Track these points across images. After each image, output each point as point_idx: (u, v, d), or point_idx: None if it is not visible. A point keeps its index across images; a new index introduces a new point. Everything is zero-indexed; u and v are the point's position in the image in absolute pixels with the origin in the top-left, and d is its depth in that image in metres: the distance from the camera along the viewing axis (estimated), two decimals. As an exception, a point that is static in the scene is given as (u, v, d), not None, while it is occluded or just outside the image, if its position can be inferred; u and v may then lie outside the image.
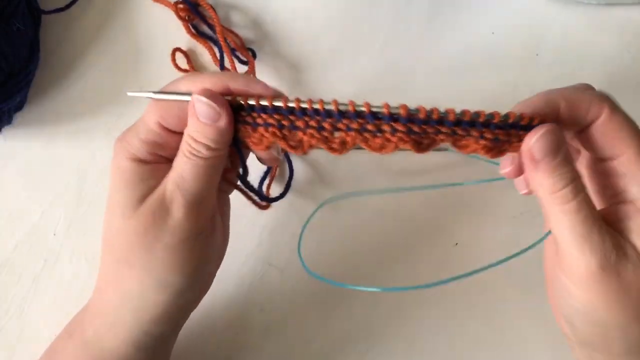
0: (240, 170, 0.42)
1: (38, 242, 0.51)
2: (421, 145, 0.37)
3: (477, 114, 0.37)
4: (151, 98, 0.39)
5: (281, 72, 0.55)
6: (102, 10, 0.55)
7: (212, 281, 0.43)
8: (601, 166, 0.37)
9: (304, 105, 0.37)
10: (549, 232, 0.36)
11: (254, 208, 0.51)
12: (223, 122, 0.37)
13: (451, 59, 0.55)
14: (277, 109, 0.38)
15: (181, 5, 0.54)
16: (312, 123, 0.38)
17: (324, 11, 0.56)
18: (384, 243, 0.52)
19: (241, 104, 0.38)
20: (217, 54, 0.53)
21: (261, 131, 0.38)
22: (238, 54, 0.54)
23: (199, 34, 0.54)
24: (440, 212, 0.52)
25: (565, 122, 0.36)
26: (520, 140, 0.36)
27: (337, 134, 0.38)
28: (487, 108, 0.54)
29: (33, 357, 0.49)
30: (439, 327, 0.50)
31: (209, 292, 0.48)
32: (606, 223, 0.34)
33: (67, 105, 0.53)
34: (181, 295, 0.38)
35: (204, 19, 0.54)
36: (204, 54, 0.54)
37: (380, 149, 0.37)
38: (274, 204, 0.51)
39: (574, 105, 0.36)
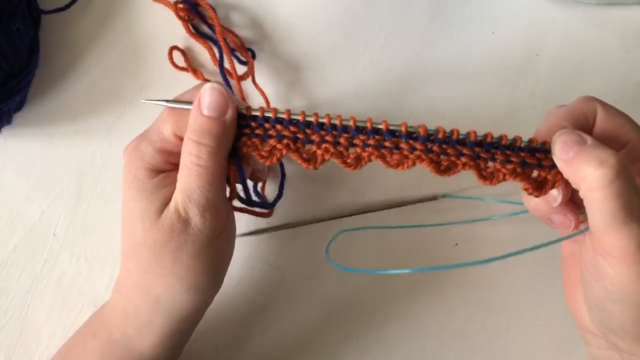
0: (241, 188, 0.41)
1: (38, 242, 0.51)
2: (441, 166, 0.37)
3: (500, 137, 0.36)
4: (166, 107, 0.39)
5: (280, 72, 0.55)
6: (102, 10, 0.55)
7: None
8: None
9: (322, 120, 0.37)
10: (586, 228, 0.36)
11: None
12: (230, 114, 0.37)
13: (451, 59, 0.55)
14: (294, 122, 0.37)
15: (181, 5, 0.54)
16: (328, 138, 0.37)
17: (325, 11, 0.56)
18: (384, 243, 0.52)
19: (245, 115, 0.38)
20: (217, 54, 0.53)
21: (273, 143, 0.38)
22: (237, 54, 0.54)
23: (198, 34, 0.54)
24: (438, 214, 0.52)
25: None
26: (548, 166, 0.36)
27: (352, 150, 0.38)
28: (487, 108, 0.55)
29: (33, 357, 0.49)
30: (439, 327, 0.50)
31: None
32: None
33: (67, 105, 0.53)
34: (206, 294, 0.40)
35: (203, 19, 0.54)
36: (203, 53, 0.54)
37: (397, 165, 0.37)
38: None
39: (573, 118, 0.37)
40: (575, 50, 0.56)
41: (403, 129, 0.36)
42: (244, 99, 0.53)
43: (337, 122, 0.37)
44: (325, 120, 0.37)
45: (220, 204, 0.38)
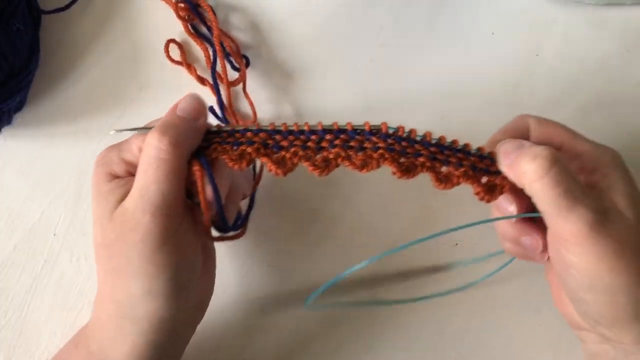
0: (213, 196, 0.40)
1: (38, 242, 0.51)
2: (403, 166, 0.38)
3: (452, 141, 0.40)
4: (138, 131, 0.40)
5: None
6: (102, 10, 0.55)
7: (209, 294, 0.44)
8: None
9: (291, 128, 0.40)
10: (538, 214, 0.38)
11: (253, 208, 0.51)
12: (202, 121, 0.39)
13: (451, 60, 0.55)
14: (263, 129, 0.40)
15: (182, 5, 0.54)
16: (297, 142, 0.39)
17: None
18: (384, 243, 0.52)
19: (215, 130, 0.40)
20: (212, 57, 0.53)
21: (243, 147, 0.39)
22: (232, 59, 0.54)
23: (197, 34, 0.54)
24: (439, 214, 0.52)
25: None
26: (495, 171, 0.39)
27: (319, 155, 0.39)
28: (487, 108, 0.55)
29: (33, 357, 0.49)
30: (438, 327, 0.50)
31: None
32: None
33: (67, 105, 0.53)
34: (170, 302, 0.38)
35: (203, 20, 0.54)
36: (200, 50, 0.54)
37: (363, 167, 0.38)
38: (271, 206, 0.51)
39: (509, 133, 0.40)
40: (575, 50, 0.56)
41: (366, 127, 0.39)
42: (231, 104, 0.53)
43: (305, 127, 0.39)
44: (293, 128, 0.40)
45: (176, 204, 0.37)
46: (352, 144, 0.39)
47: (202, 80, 0.53)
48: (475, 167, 0.39)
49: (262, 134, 0.40)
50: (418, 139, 0.39)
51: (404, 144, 0.39)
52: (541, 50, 0.56)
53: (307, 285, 0.51)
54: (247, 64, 0.54)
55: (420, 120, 0.54)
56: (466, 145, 0.39)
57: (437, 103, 0.55)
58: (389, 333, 0.50)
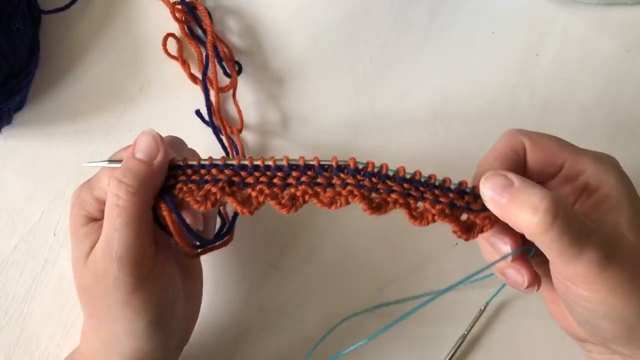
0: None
1: (38, 242, 0.51)
2: (373, 203, 0.37)
3: (429, 176, 0.37)
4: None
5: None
6: (102, 10, 0.55)
7: (194, 320, 0.45)
8: (558, 179, 0.38)
9: (256, 162, 0.38)
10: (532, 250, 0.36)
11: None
12: (159, 159, 0.38)
13: (451, 60, 0.55)
14: (229, 165, 0.38)
15: (179, 7, 0.54)
16: (263, 179, 0.38)
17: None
18: (384, 242, 0.52)
19: (181, 165, 0.39)
20: (204, 61, 0.53)
21: (208, 187, 0.38)
22: (224, 64, 0.54)
23: (192, 36, 0.54)
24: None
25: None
26: (476, 209, 0.36)
27: (287, 191, 0.38)
28: (487, 108, 0.55)
29: (33, 357, 0.49)
30: (438, 326, 0.50)
31: (208, 292, 0.48)
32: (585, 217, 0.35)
33: (67, 105, 0.53)
34: (155, 341, 0.39)
35: (199, 23, 0.54)
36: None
37: (331, 204, 0.37)
38: (270, 207, 0.51)
39: (503, 158, 0.37)
40: (575, 50, 0.56)
41: (334, 163, 0.37)
42: (220, 110, 0.52)
43: (270, 163, 0.38)
44: (259, 162, 0.38)
45: (143, 249, 0.37)
46: (319, 180, 0.38)
47: (194, 79, 0.53)
48: (454, 204, 0.36)
49: (227, 171, 0.38)
50: (390, 174, 0.37)
51: (374, 180, 0.37)
52: (541, 50, 0.56)
53: (308, 285, 0.51)
54: (239, 71, 0.54)
55: (420, 120, 0.54)
56: (445, 181, 0.37)
57: (437, 103, 0.55)
58: (389, 333, 0.50)
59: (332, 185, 0.37)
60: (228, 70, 0.54)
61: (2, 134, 0.52)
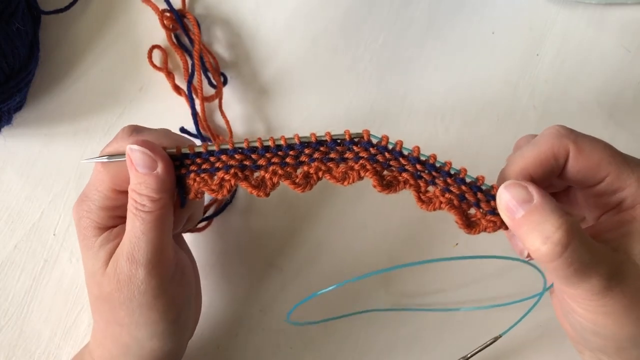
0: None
1: (38, 242, 0.51)
2: (384, 180, 0.36)
3: (444, 162, 0.36)
4: (97, 166, 0.39)
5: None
6: (102, 10, 0.55)
7: (200, 308, 0.45)
8: (593, 190, 0.37)
9: (266, 143, 0.37)
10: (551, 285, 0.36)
11: (252, 209, 0.51)
12: (160, 169, 0.37)
13: (451, 60, 0.55)
14: (238, 150, 0.37)
15: (167, 14, 0.53)
16: (275, 160, 0.37)
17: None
18: (384, 242, 0.52)
19: (187, 154, 0.38)
20: (190, 70, 0.52)
21: (221, 175, 0.38)
22: (210, 75, 0.53)
23: (179, 45, 0.54)
24: (440, 213, 0.52)
25: (542, 179, 0.36)
26: (486, 210, 0.36)
27: (300, 170, 0.37)
28: (487, 108, 0.55)
29: (33, 357, 0.49)
30: (438, 325, 0.50)
31: (208, 292, 0.48)
32: (599, 237, 0.35)
33: (67, 105, 0.53)
34: (175, 339, 0.40)
35: (186, 32, 0.54)
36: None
37: (344, 179, 0.37)
38: (272, 206, 0.51)
39: (541, 164, 0.35)
40: (575, 50, 0.56)
41: (347, 136, 0.36)
42: (205, 119, 0.52)
43: (281, 142, 0.37)
44: (270, 143, 0.37)
45: (167, 252, 0.38)
46: (332, 155, 0.37)
47: (178, 91, 0.53)
48: (464, 197, 0.36)
49: (237, 155, 0.37)
50: (405, 152, 0.36)
51: (387, 155, 0.36)
52: (541, 50, 0.56)
53: (308, 285, 0.51)
54: (225, 82, 0.54)
55: (419, 120, 0.54)
56: (461, 171, 0.36)
57: (437, 103, 0.55)
58: (390, 333, 0.50)
59: (344, 160, 0.37)
60: (213, 81, 0.53)
61: (2, 134, 0.52)
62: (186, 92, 0.52)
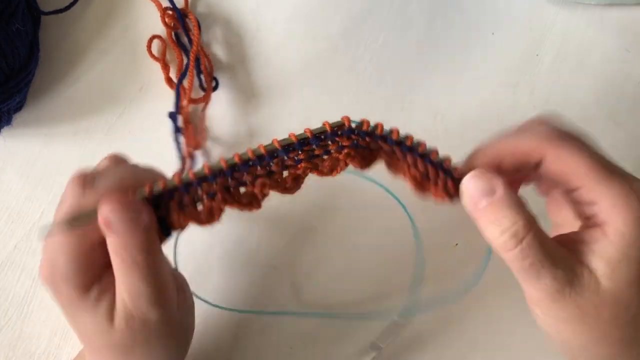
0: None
1: (38, 242, 0.51)
2: (365, 161, 0.36)
3: (418, 143, 0.36)
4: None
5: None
6: (102, 10, 0.55)
7: (194, 324, 0.44)
8: (569, 195, 0.36)
9: (245, 157, 0.35)
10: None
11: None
12: (144, 223, 0.34)
13: (450, 60, 0.55)
14: (218, 174, 0.35)
15: (169, 12, 0.53)
16: (260, 171, 0.35)
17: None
18: (384, 242, 0.52)
19: (169, 190, 0.35)
20: (183, 69, 0.52)
21: (208, 204, 0.35)
22: (202, 77, 0.53)
23: (178, 43, 0.54)
24: (440, 213, 0.52)
25: (511, 172, 0.36)
26: (444, 187, 0.36)
27: (287, 175, 0.36)
28: (487, 108, 0.55)
29: (33, 357, 0.49)
30: (438, 325, 0.50)
31: (208, 292, 0.48)
32: (569, 245, 0.34)
33: (67, 105, 0.53)
34: (186, 350, 0.41)
35: (186, 32, 0.54)
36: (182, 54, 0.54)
37: (332, 171, 0.36)
38: (272, 206, 0.51)
39: (514, 157, 0.36)
40: (575, 50, 0.56)
41: (327, 128, 0.35)
42: (188, 121, 0.52)
43: (262, 151, 0.35)
44: (249, 155, 0.35)
45: (167, 279, 0.36)
46: (317, 152, 0.35)
47: (170, 83, 0.53)
48: (428, 176, 0.36)
49: (219, 179, 0.35)
50: (385, 133, 0.36)
51: (367, 139, 0.35)
52: (541, 50, 0.56)
53: (308, 284, 0.51)
54: (216, 87, 0.54)
55: (419, 120, 0.54)
56: (430, 153, 0.36)
57: (436, 103, 0.55)
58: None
59: (329, 153, 0.36)
60: (204, 85, 0.53)
61: (2, 134, 0.52)
62: (175, 90, 0.52)
